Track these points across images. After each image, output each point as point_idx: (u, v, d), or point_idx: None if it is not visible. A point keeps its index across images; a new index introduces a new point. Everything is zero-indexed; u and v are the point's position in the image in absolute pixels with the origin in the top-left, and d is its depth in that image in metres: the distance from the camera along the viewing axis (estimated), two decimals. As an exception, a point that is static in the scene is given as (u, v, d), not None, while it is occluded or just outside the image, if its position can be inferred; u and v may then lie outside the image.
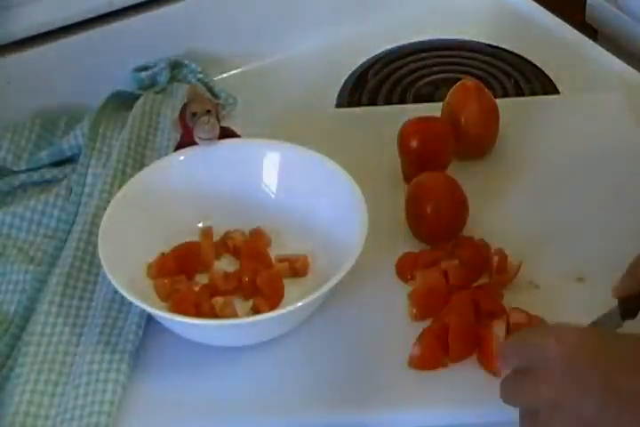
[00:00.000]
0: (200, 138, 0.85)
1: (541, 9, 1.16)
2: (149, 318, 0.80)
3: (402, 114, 0.96)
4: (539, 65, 1.09)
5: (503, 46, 1.12)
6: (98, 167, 0.92)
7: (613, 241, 0.86)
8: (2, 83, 0.99)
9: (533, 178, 0.93)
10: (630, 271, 0.75)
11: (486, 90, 0.94)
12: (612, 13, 1.19)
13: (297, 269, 0.84)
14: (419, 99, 1.06)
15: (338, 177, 0.84)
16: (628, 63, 1.08)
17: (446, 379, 0.77)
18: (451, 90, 0.94)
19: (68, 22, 1.01)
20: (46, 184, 0.94)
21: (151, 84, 1.04)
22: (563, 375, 0.63)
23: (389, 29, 1.14)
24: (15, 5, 0.97)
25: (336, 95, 1.07)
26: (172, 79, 1.04)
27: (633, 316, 0.75)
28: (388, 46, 1.13)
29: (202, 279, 0.84)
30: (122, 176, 0.90)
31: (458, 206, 0.86)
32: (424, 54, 1.12)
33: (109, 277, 0.76)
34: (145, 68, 1.04)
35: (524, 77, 1.08)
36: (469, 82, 0.94)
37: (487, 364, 0.76)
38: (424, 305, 0.80)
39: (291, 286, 0.82)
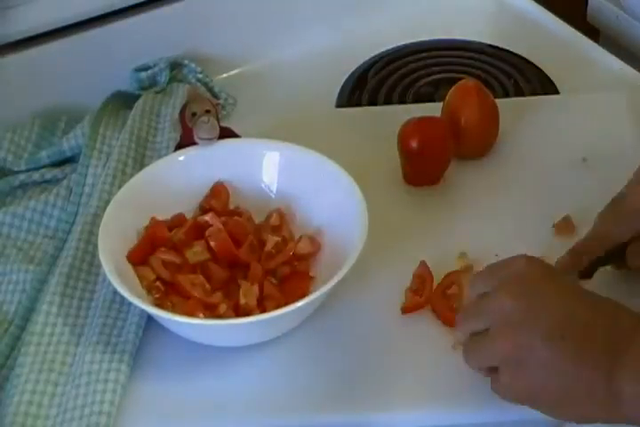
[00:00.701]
0: (200, 138, 0.86)
1: (542, 9, 1.16)
2: (149, 318, 0.80)
3: (402, 114, 0.96)
4: (539, 65, 1.09)
5: (503, 46, 1.12)
6: (98, 167, 0.92)
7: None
8: (2, 83, 0.99)
9: (533, 178, 0.93)
10: (573, 250, 0.79)
11: (486, 90, 0.94)
12: (614, 13, 1.18)
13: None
14: (419, 99, 1.06)
15: (338, 177, 0.84)
16: (630, 63, 1.07)
17: (446, 379, 0.77)
18: (451, 90, 0.94)
19: (68, 22, 1.01)
20: (46, 184, 0.94)
21: (151, 84, 1.04)
22: (515, 327, 0.66)
23: (389, 29, 1.14)
24: (15, 5, 0.97)
25: (336, 95, 1.07)
26: (172, 79, 1.04)
27: (589, 276, 0.79)
28: (388, 46, 1.13)
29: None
30: (122, 176, 0.90)
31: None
32: (424, 54, 1.12)
33: (109, 277, 0.76)
34: (145, 68, 1.04)
35: (523, 77, 1.08)
36: (469, 82, 0.94)
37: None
38: None
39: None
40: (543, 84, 1.06)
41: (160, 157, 0.91)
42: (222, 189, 0.87)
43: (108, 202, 0.87)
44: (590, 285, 0.77)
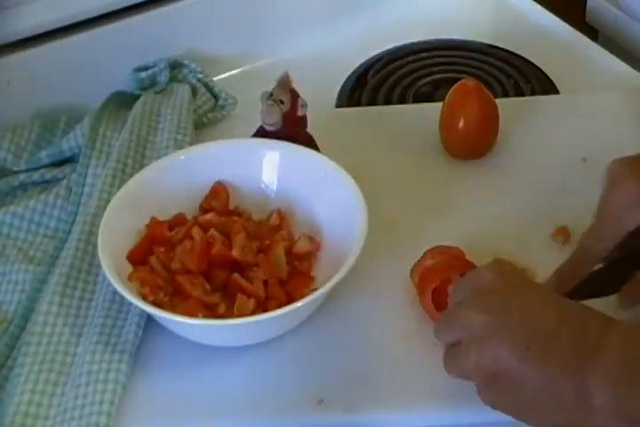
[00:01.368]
0: (262, 121, 0.86)
1: (541, 9, 1.16)
2: (149, 318, 0.80)
3: (402, 114, 0.97)
4: (539, 65, 1.09)
5: (503, 46, 1.12)
6: (98, 167, 0.92)
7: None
8: (2, 83, 0.99)
9: (533, 178, 0.93)
10: (557, 273, 0.78)
11: (486, 90, 0.94)
12: (613, 14, 1.18)
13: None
14: (418, 99, 1.06)
15: (338, 177, 0.84)
16: (629, 63, 1.08)
17: (446, 379, 0.77)
18: (451, 90, 0.94)
19: (68, 22, 1.01)
20: (46, 184, 0.94)
21: (151, 84, 1.04)
22: (481, 342, 0.66)
23: (389, 29, 1.14)
24: (15, 5, 0.97)
25: (336, 95, 1.07)
26: (172, 79, 1.04)
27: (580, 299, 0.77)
28: (388, 46, 1.13)
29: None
30: (122, 176, 0.90)
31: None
32: (424, 54, 1.12)
33: (109, 277, 0.76)
34: (145, 68, 1.04)
35: (523, 77, 1.08)
36: (469, 82, 0.94)
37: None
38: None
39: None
40: (543, 84, 1.06)
41: (160, 157, 0.91)
42: (222, 190, 0.87)
43: (108, 202, 0.87)
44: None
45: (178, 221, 0.84)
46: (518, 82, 1.07)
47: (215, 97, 1.03)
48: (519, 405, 0.66)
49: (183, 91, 1.01)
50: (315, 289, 0.78)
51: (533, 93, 1.05)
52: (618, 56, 1.09)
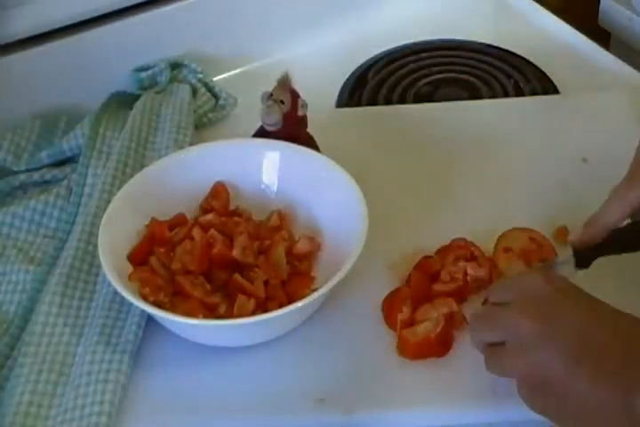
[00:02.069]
0: (263, 122, 0.86)
1: (541, 9, 1.16)
2: (149, 318, 0.80)
3: (402, 114, 0.96)
4: (539, 65, 1.09)
5: (503, 46, 1.12)
6: (98, 167, 0.92)
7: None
8: (2, 83, 0.99)
9: (533, 178, 0.93)
10: (588, 223, 0.77)
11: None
12: (626, 16, 1.18)
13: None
14: (419, 99, 1.06)
15: (338, 177, 0.84)
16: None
17: (447, 379, 0.77)
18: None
19: (68, 22, 1.01)
20: (46, 184, 0.94)
21: (151, 85, 1.04)
22: (529, 350, 0.66)
23: (389, 29, 1.14)
24: (15, 5, 0.97)
25: (336, 95, 1.07)
26: (172, 79, 1.04)
27: (586, 266, 0.78)
28: (388, 46, 1.13)
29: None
30: (122, 176, 0.90)
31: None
32: (424, 54, 1.12)
33: (109, 277, 0.76)
34: (145, 69, 1.04)
35: (523, 77, 1.08)
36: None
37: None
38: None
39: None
40: (543, 84, 1.06)
41: (160, 157, 0.91)
42: (222, 190, 0.87)
43: (108, 202, 0.87)
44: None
45: (178, 222, 0.84)
46: (518, 82, 1.07)
47: (215, 97, 1.04)
48: (562, 413, 0.65)
49: (183, 91, 1.01)
50: (315, 289, 0.78)
51: (533, 93, 1.05)
52: (631, 59, 1.08)
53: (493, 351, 0.70)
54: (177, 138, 0.94)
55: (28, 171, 0.95)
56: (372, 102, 1.06)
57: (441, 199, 0.91)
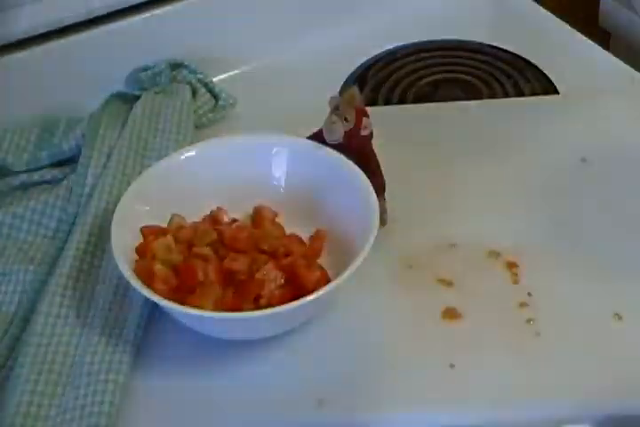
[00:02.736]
0: (324, 135, 0.85)
1: (541, 9, 1.16)
2: (150, 319, 0.80)
3: (402, 114, 0.96)
4: (539, 65, 1.09)
5: (503, 46, 1.12)
6: (98, 168, 0.92)
7: (611, 239, 0.87)
8: (2, 83, 0.99)
9: (533, 178, 0.93)
10: None
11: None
12: (626, 16, 1.18)
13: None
14: (419, 99, 1.06)
15: (349, 172, 0.84)
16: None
17: (447, 379, 0.77)
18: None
19: (68, 22, 1.01)
20: (46, 185, 0.94)
21: (151, 85, 1.03)
22: None
23: (389, 29, 1.14)
24: (15, 5, 0.97)
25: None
26: (172, 80, 1.04)
27: None
28: (388, 46, 1.13)
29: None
30: (122, 177, 0.90)
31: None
32: (424, 54, 1.12)
33: (121, 268, 0.76)
34: (145, 69, 1.04)
35: (523, 77, 1.08)
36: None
37: None
38: None
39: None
40: (543, 84, 1.06)
41: (160, 157, 0.91)
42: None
43: (108, 202, 0.87)
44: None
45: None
46: (518, 82, 1.07)
47: (215, 97, 1.03)
48: None
49: (183, 91, 1.01)
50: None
51: (533, 93, 1.05)
52: (631, 59, 1.08)
53: None
54: (177, 138, 0.94)
55: (28, 171, 0.95)
56: (372, 102, 1.06)
57: (441, 199, 0.91)
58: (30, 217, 0.90)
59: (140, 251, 0.81)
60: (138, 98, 1.00)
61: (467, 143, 0.98)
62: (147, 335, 0.80)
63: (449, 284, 0.83)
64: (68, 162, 0.96)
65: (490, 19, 1.17)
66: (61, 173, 0.95)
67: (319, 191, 0.86)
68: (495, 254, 0.86)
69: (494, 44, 1.13)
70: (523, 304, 0.81)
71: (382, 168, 0.87)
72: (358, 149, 0.85)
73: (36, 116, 1.00)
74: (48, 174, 0.94)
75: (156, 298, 0.75)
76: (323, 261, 0.83)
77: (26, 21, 0.98)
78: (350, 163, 0.84)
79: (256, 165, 0.88)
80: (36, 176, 0.94)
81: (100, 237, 0.86)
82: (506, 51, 1.12)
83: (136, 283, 0.76)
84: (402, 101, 1.06)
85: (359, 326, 0.81)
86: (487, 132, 0.99)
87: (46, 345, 0.79)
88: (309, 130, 0.89)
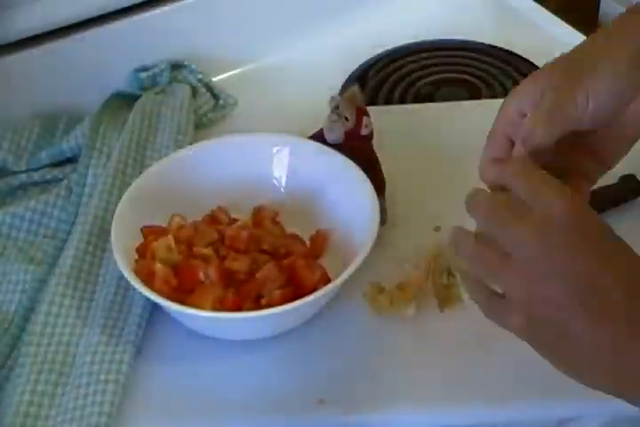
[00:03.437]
0: (325, 135, 0.85)
1: (541, 9, 1.16)
2: (150, 319, 0.80)
3: (402, 114, 0.96)
4: (539, 65, 1.09)
5: (503, 46, 1.12)
6: (98, 167, 0.92)
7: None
8: (2, 83, 0.99)
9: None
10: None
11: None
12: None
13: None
14: (419, 99, 1.06)
15: (350, 171, 0.84)
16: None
17: (447, 379, 0.77)
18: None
19: (68, 22, 1.01)
20: (46, 184, 0.94)
21: (151, 85, 1.04)
22: (544, 276, 0.62)
23: (389, 29, 1.14)
24: (15, 5, 0.97)
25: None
26: (173, 80, 1.04)
27: None
28: (388, 46, 1.13)
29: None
30: (122, 177, 0.90)
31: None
32: (424, 54, 1.12)
33: (121, 268, 0.76)
34: (145, 69, 1.04)
35: (523, 77, 1.07)
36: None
37: None
38: None
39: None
40: (543, 85, 1.06)
41: (161, 157, 0.91)
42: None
43: (108, 202, 0.87)
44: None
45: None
46: (518, 82, 1.07)
47: (215, 97, 1.04)
48: (551, 348, 0.63)
49: (183, 91, 1.01)
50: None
51: (533, 93, 1.05)
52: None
53: (491, 297, 0.65)
54: (177, 138, 0.95)
55: (28, 171, 0.95)
56: (372, 102, 1.06)
57: (441, 199, 0.91)
58: (30, 217, 0.90)
59: (141, 251, 0.81)
60: (138, 98, 1.00)
61: (466, 143, 0.98)
62: (147, 335, 0.80)
63: (450, 283, 0.83)
64: (68, 162, 0.96)
65: (491, 19, 1.17)
66: (61, 172, 0.95)
67: (319, 191, 0.86)
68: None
69: (495, 44, 1.13)
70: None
71: (382, 168, 0.87)
72: (359, 149, 0.85)
73: (35, 116, 1.00)
74: (48, 174, 0.94)
75: (156, 298, 0.75)
76: (323, 261, 0.83)
77: (26, 21, 0.98)
78: (351, 163, 0.84)
79: (256, 165, 0.88)
80: (36, 176, 0.94)
81: (101, 237, 0.86)
82: (506, 51, 1.12)
83: (136, 283, 0.76)
84: (402, 101, 1.06)
85: (359, 326, 0.81)
86: (487, 133, 0.98)
87: (46, 345, 0.79)
88: (309, 130, 0.89)
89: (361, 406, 0.76)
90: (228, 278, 0.79)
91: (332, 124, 0.84)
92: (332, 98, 0.85)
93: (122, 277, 0.79)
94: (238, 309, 0.77)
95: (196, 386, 0.77)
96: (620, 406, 0.67)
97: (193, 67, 1.05)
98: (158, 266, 0.78)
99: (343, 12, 1.13)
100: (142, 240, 0.82)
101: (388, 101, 1.06)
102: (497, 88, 1.06)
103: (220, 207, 0.86)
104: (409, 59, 1.12)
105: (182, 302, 0.76)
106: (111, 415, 0.74)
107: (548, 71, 0.72)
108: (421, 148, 0.97)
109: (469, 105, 1.03)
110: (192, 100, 1.01)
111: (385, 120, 0.98)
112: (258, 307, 0.77)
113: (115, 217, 0.81)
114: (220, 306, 0.77)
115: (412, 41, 1.14)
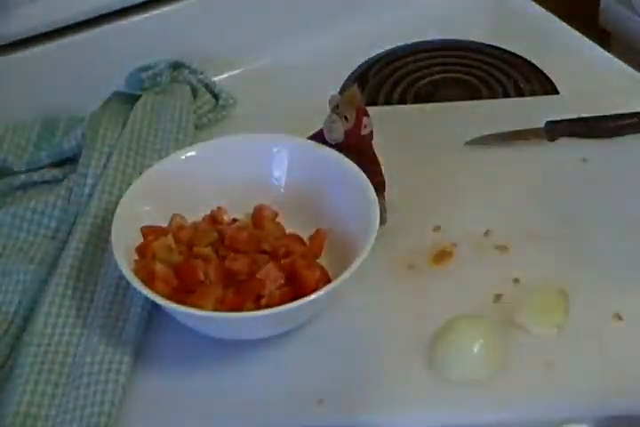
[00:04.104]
0: (325, 134, 0.85)
1: (541, 9, 1.16)
2: (150, 319, 0.80)
3: (402, 114, 0.96)
4: (539, 65, 1.09)
5: (503, 46, 1.12)
6: (98, 168, 0.92)
7: (611, 239, 0.87)
8: (2, 83, 0.99)
9: (532, 178, 0.93)
10: None
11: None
12: (626, 16, 1.18)
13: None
14: (419, 99, 1.06)
15: (349, 171, 0.84)
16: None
17: (447, 379, 0.77)
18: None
19: (68, 22, 1.01)
20: (46, 184, 0.94)
21: (151, 85, 1.03)
22: None
23: (389, 29, 1.14)
24: (15, 5, 0.97)
25: (336, 95, 1.07)
26: (173, 80, 1.04)
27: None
28: (388, 46, 1.13)
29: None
30: (122, 177, 0.90)
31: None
32: (424, 54, 1.12)
33: (121, 268, 0.76)
34: (145, 69, 1.04)
35: (523, 77, 1.08)
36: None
37: None
38: None
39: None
40: (543, 85, 1.07)
41: (161, 157, 0.91)
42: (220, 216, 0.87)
43: (108, 202, 0.87)
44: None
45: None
46: (518, 82, 1.07)
47: (215, 97, 1.04)
48: None
49: (183, 91, 1.01)
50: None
51: (533, 94, 1.05)
52: (631, 58, 1.08)
53: None
54: (177, 138, 0.95)
55: (28, 171, 0.95)
56: (372, 102, 1.06)
57: (441, 199, 0.91)
58: (30, 217, 0.90)
59: (141, 251, 0.81)
60: (138, 98, 1.00)
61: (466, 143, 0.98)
62: (147, 335, 0.80)
63: (449, 283, 0.83)
64: (69, 162, 0.96)
65: (490, 19, 1.17)
66: (61, 172, 0.95)
67: (319, 191, 0.86)
68: (497, 253, 0.86)
69: (494, 44, 1.13)
70: (523, 304, 0.82)
71: (382, 168, 0.87)
72: (358, 149, 0.85)
73: (36, 116, 1.00)
74: (48, 174, 0.94)
75: (156, 298, 0.75)
76: (323, 260, 0.83)
77: (26, 21, 0.98)
78: (350, 162, 0.84)
79: (256, 165, 0.88)
80: (36, 176, 0.94)
81: (101, 237, 0.86)
82: (506, 51, 1.12)
83: (136, 283, 0.76)
84: (402, 101, 1.06)
85: (359, 326, 0.81)
86: (487, 133, 0.99)
87: (46, 345, 0.79)
88: (309, 130, 0.89)
89: (361, 406, 0.76)
90: (228, 278, 0.79)
91: (331, 125, 0.84)
92: (332, 97, 0.85)
93: (122, 277, 0.79)
94: (238, 309, 0.77)
95: (196, 386, 0.77)
96: (619, 406, 0.67)
97: (193, 67, 1.05)
98: (158, 266, 0.78)
99: (343, 12, 1.13)
100: (142, 240, 0.82)
101: (388, 101, 1.06)
102: (497, 88, 1.06)
103: (220, 207, 0.86)
104: (409, 59, 1.12)
105: (182, 303, 0.76)
106: (111, 415, 0.74)
107: None
108: (421, 148, 0.97)
109: (469, 105, 1.03)
110: (192, 100, 1.01)
111: (385, 120, 0.98)
112: (258, 307, 0.77)
113: (115, 217, 0.81)
114: (220, 306, 0.77)
115: (411, 41, 1.14)
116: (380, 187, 0.85)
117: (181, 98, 1.00)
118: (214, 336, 0.79)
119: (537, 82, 1.07)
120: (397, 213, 0.89)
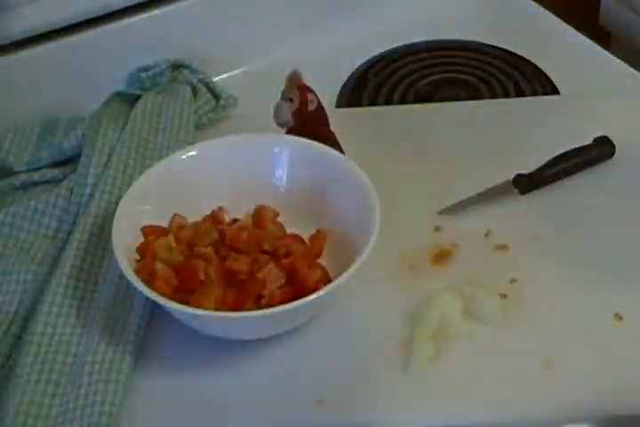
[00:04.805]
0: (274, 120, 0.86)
1: (541, 9, 1.16)
2: (150, 319, 0.80)
3: (402, 114, 0.96)
4: (539, 65, 1.09)
5: (503, 46, 1.12)
6: (98, 167, 0.92)
7: (612, 239, 0.87)
8: (2, 83, 0.99)
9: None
10: None
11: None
12: (626, 16, 1.18)
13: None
14: (419, 99, 1.06)
15: (350, 171, 0.84)
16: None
17: (446, 379, 0.77)
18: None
19: (68, 22, 1.01)
20: (47, 184, 0.94)
21: (152, 85, 1.04)
22: None
23: (389, 29, 1.14)
24: (15, 5, 0.97)
25: (336, 95, 1.07)
26: (173, 80, 1.04)
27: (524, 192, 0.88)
28: (388, 46, 1.13)
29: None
30: (122, 177, 0.90)
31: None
32: (424, 54, 1.12)
33: (122, 268, 0.76)
34: (146, 69, 1.04)
35: (524, 78, 1.08)
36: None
37: None
38: None
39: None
40: (543, 85, 1.07)
41: (161, 157, 0.91)
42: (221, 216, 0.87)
43: (108, 202, 0.87)
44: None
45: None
46: (518, 82, 1.07)
47: (216, 97, 1.04)
48: None
49: (184, 91, 1.01)
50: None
51: (533, 94, 1.05)
52: (631, 59, 1.08)
53: None
54: (177, 138, 0.95)
55: (28, 171, 0.95)
56: (373, 102, 1.06)
57: (441, 199, 0.91)
58: (31, 217, 0.90)
59: (141, 251, 0.81)
60: (138, 98, 1.00)
61: (467, 143, 0.98)
62: (147, 335, 0.80)
63: (449, 283, 0.84)
64: (69, 162, 0.96)
65: (490, 19, 1.17)
66: (62, 172, 0.95)
67: (320, 191, 0.86)
68: (498, 253, 0.86)
69: (494, 44, 1.13)
70: (523, 305, 0.82)
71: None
72: (311, 127, 0.85)
73: (36, 116, 1.00)
74: (48, 174, 0.94)
75: (156, 298, 0.75)
76: (323, 260, 0.83)
77: (26, 21, 0.98)
78: (351, 162, 0.84)
79: (256, 165, 0.88)
80: (36, 176, 0.94)
81: (101, 237, 0.86)
82: (506, 51, 1.12)
83: (137, 283, 0.76)
84: (402, 101, 1.06)
85: (359, 326, 0.81)
86: (487, 132, 0.99)
87: (47, 345, 0.79)
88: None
89: (361, 406, 0.76)
90: (229, 278, 0.79)
91: (276, 108, 0.84)
92: (283, 91, 0.85)
93: (122, 277, 0.79)
94: (239, 309, 0.77)
95: (196, 386, 0.77)
96: (619, 406, 0.68)
97: (194, 67, 1.05)
98: (159, 266, 0.79)
99: (343, 12, 1.13)
100: (143, 240, 0.82)
101: (388, 102, 1.06)
102: (497, 88, 1.06)
103: (220, 207, 0.86)
104: (409, 59, 1.12)
105: (183, 302, 0.76)
106: (112, 415, 0.74)
107: None
108: (421, 148, 0.97)
109: (469, 105, 1.04)
110: (192, 100, 1.01)
111: (385, 120, 0.98)
112: (258, 307, 0.77)
113: (115, 217, 0.81)
114: (220, 306, 0.77)
115: (411, 41, 1.14)
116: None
117: (182, 98, 1.00)
118: (214, 336, 0.79)
119: (537, 82, 1.07)
120: (398, 213, 0.89)
